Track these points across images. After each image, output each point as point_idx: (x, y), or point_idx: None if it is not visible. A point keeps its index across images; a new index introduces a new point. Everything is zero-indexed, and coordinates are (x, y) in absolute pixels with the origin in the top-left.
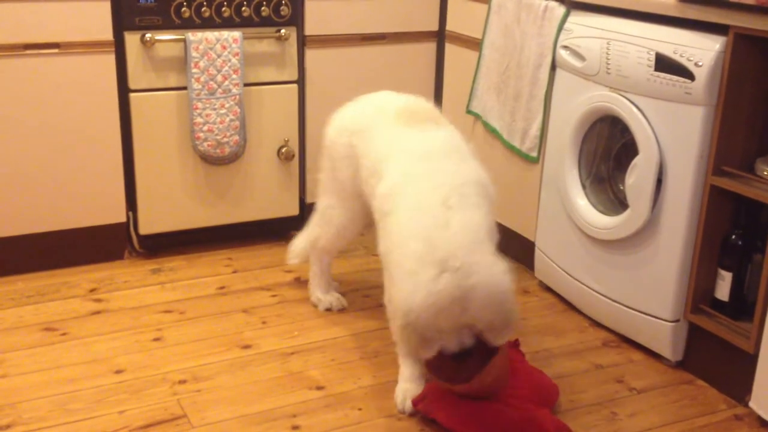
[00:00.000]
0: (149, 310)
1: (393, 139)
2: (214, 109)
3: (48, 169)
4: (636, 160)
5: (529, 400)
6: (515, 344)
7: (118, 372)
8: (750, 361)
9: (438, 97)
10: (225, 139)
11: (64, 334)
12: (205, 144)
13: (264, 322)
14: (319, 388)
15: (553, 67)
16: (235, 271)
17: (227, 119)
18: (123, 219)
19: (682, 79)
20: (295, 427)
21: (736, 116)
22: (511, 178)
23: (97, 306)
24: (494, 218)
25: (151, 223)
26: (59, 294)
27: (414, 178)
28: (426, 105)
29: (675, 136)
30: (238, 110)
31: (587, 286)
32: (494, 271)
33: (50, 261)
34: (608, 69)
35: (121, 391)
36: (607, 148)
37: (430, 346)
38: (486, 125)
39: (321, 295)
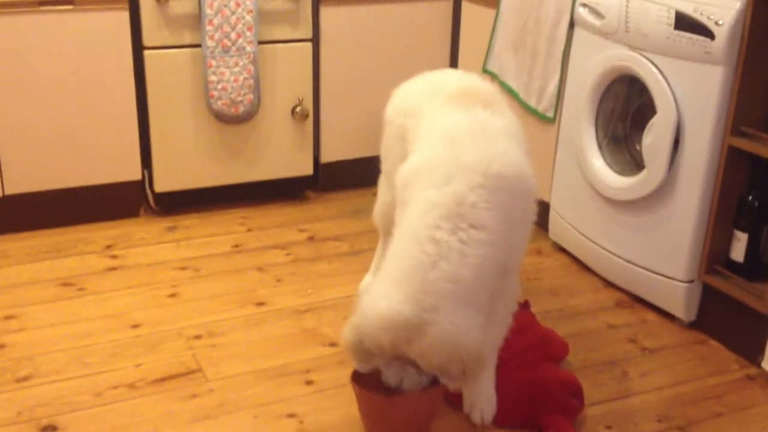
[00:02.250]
0: (165, 266)
1: (435, 120)
2: (228, 67)
3: (63, 127)
4: (653, 120)
5: (535, 354)
6: (525, 305)
7: (134, 327)
8: (764, 321)
9: (454, 56)
10: (239, 98)
11: (80, 289)
12: (220, 102)
13: (278, 280)
14: (332, 344)
15: (572, 25)
16: (249, 230)
17: (241, 78)
18: (138, 177)
19: (701, 38)
20: (309, 382)
21: (755, 76)
22: (527, 138)
23: (113, 262)
24: (521, 242)
25: (166, 181)
26: (76, 250)
27: (427, 170)
28: (485, 86)
29: (693, 96)
30: (252, 68)
31: (601, 247)
32: (462, 329)
33: (67, 217)
34: (627, 27)
35: (137, 346)
36: (625, 108)
37: (367, 361)
38: (502, 85)
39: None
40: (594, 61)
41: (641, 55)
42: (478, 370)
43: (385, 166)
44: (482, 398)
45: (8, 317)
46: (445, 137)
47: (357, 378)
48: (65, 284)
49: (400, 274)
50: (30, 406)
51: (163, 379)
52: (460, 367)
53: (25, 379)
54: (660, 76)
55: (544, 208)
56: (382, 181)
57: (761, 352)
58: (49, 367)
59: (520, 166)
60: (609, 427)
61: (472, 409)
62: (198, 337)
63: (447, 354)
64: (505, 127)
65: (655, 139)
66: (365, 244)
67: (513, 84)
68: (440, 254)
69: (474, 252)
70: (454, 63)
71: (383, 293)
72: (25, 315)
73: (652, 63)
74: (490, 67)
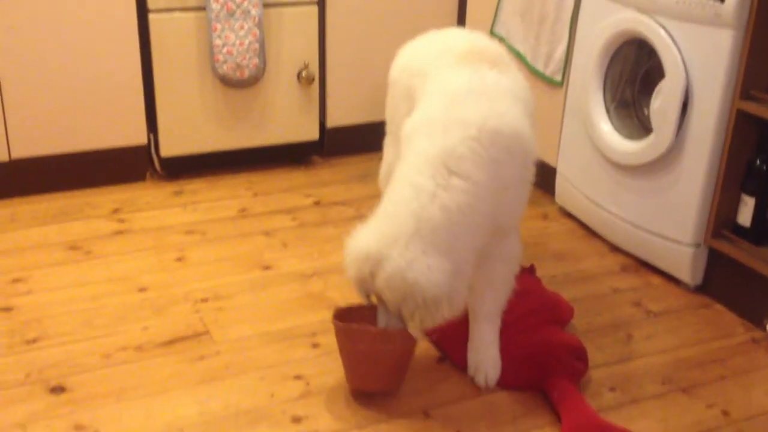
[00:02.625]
0: (171, 230)
1: (441, 79)
2: (233, 31)
3: (69, 91)
4: (662, 84)
5: (540, 318)
6: (531, 270)
7: (141, 290)
8: None
9: (461, 19)
10: (244, 62)
11: (87, 252)
12: (225, 67)
13: (284, 245)
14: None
15: None
16: (255, 195)
17: (246, 41)
18: (144, 141)
19: (711, 1)
20: (315, 345)
21: (765, 40)
22: (534, 100)
23: (120, 226)
24: (516, 202)
25: (171, 145)
26: (83, 214)
27: (426, 124)
28: (494, 46)
29: (702, 60)
30: (258, 32)
31: (608, 211)
32: (415, 267)
33: (73, 182)
34: None
35: (144, 308)
36: (633, 72)
37: (362, 293)
38: (510, 48)
39: None
40: (602, 25)
41: (650, 18)
42: (431, 317)
43: (390, 128)
44: (486, 360)
45: (16, 280)
46: (448, 95)
47: (339, 315)
48: (72, 248)
49: (380, 212)
50: (39, 368)
51: (170, 342)
52: (410, 308)
53: (34, 341)
54: (669, 40)
55: (550, 172)
56: (388, 142)
57: (766, 316)
58: (57, 330)
59: (518, 126)
60: (613, 389)
61: (476, 371)
62: (205, 300)
63: (397, 291)
64: (510, 87)
65: (663, 103)
66: (371, 209)
67: (520, 48)
68: (414, 195)
69: (449, 196)
70: (461, 25)
71: (364, 229)
72: (33, 278)
73: (662, 26)
74: (498, 30)
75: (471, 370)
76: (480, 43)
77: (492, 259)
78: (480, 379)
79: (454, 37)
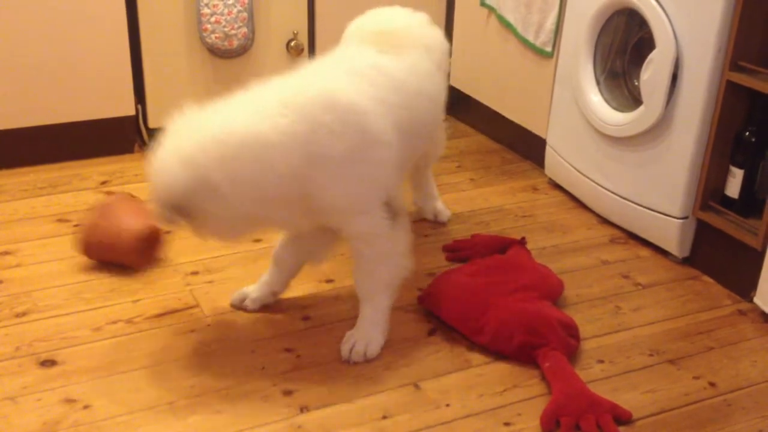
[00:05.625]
0: None
1: (329, 56)
2: (222, 0)
3: (55, 61)
4: (652, 55)
5: (532, 292)
6: (521, 242)
7: None
8: (756, 257)
9: None
10: (233, 31)
11: (76, 225)
12: (213, 36)
13: None
14: (329, 281)
15: None
16: None
17: (235, 10)
18: (132, 112)
19: None
20: (306, 318)
21: (755, 10)
22: (524, 73)
23: None
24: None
25: (160, 116)
26: (71, 186)
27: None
28: (415, 32)
29: (693, 30)
30: (246, 0)
31: (597, 183)
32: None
33: (61, 153)
34: None
35: (134, 282)
36: (624, 43)
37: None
38: (500, 19)
39: None
40: None
41: None
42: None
43: None
44: (361, 338)
45: (4, 253)
46: (312, 69)
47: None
48: (61, 220)
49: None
50: (29, 341)
51: (161, 315)
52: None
53: (24, 314)
54: (659, 9)
55: (540, 144)
56: None
57: (754, 288)
58: (47, 303)
59: (339, 100)
60: (601, 361)
61: (347, 340)
62: (195, 273)
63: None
64: (386, 72)
65: (653, 74)
66: None
67: (511, 18)
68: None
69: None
70: None
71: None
72: (22, 251)
73: None
74: (488, 0)
75: (342, 344)
76: (399, 24)
77: (352, 240)
78: (344, 350)
79: (384, 16)
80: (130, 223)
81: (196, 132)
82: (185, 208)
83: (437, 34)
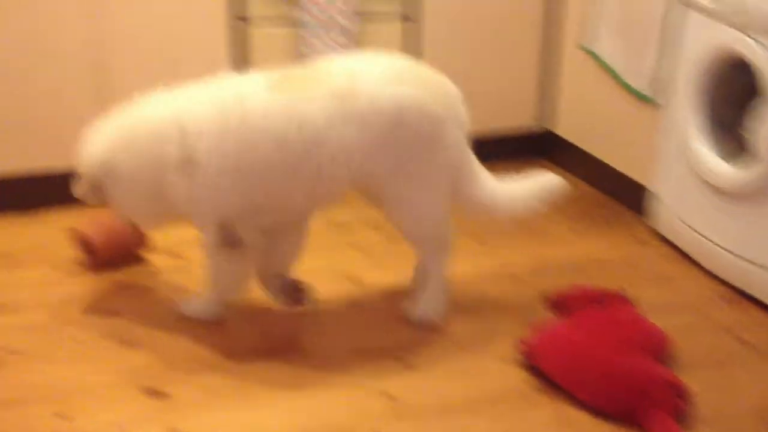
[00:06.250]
0: None
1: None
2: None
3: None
4: (758, 104)
5: (638, 347)
6: (624, 294)
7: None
8: None
9: (547, 30)
10: None
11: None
12: None
13: None
14: None
15: (678, 5)
16: None
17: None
18: None
19: None
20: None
21: None
22: (623, 118)
23: None
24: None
25: None
26: None
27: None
28: (336, 80)
29: None
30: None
31: (706, 238)
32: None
33: None
34: (737, 9)
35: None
36: (733, 92)
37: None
38: (600, 62)
39: None
40: (701, 43)
41: (751, 38)
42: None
43: None
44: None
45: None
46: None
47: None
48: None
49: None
50: (134, 371)
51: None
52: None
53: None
54: None
55: (639, 190)
56: None
57: None
58: (153, 333)
59: (162, 129)
60: (710, 428)
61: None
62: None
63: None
64: (260, 111)
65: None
66: None
67: (612, 62)
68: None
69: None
70: (548, 35)
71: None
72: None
73: (764, 46)
74: (588, 44)
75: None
76: (320, 70)
77: None
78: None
79: (325, 62)
80: (115, 221)
81: (118, 119)
82: (99, 187)
83: (391, 93)
